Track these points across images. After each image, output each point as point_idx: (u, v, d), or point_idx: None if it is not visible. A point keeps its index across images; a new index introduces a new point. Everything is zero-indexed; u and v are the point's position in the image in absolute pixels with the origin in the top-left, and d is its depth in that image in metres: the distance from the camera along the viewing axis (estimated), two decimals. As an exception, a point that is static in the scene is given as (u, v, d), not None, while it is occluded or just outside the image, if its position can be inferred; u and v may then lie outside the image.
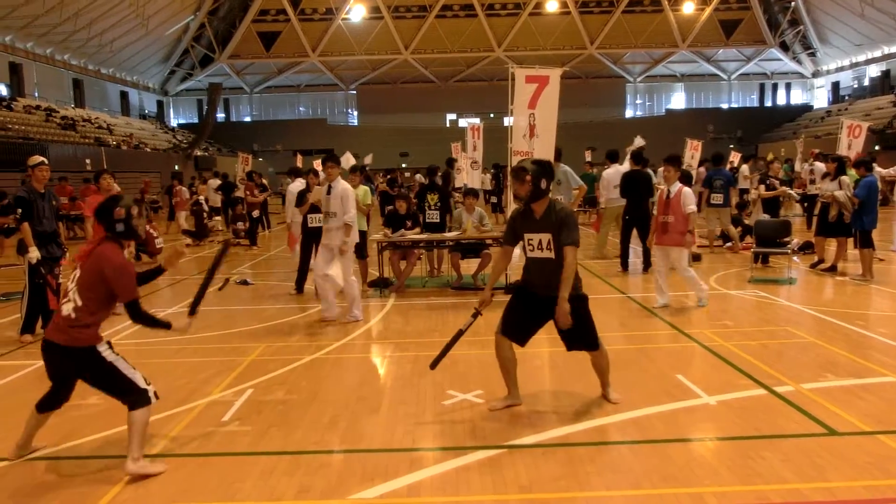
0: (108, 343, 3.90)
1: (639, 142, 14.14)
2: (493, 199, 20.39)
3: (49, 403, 4.03)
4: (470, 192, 10.12)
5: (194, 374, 5.86)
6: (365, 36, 51.85)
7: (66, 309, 3.82)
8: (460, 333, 4.78)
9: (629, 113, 59.20)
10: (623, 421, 4.50)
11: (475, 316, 4.73)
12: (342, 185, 7.74)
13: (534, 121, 8.59)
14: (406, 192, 12.44)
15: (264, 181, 20.38)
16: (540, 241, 4.54)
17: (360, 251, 9.43)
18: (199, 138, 45.29)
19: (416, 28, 52.01)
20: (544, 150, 8.55)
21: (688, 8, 48.53)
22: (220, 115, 53.72)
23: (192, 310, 4.08)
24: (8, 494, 3.70)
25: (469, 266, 10.01)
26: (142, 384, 3.85)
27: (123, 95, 49.07)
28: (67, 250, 7.91)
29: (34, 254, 7.14)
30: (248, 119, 59.04)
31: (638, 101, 60.18)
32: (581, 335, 4.61)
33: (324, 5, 50.34)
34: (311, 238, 9.64)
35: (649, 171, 11.38)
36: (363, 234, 9.49)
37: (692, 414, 4.65)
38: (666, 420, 4.52)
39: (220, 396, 5.23)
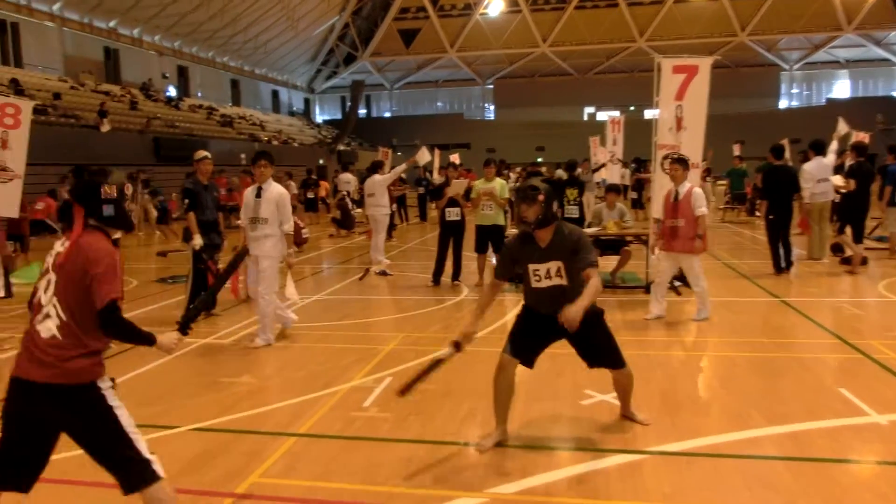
0: (112, 380, 2.80)
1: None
2: (634, 195, 19.77)
3: (13, 475, 2.74)
4: (611, 188, 9.86)
5: (337, 359, 6.10)
6: (502, 30, 51.91)
7: (46, 330, 2.67)
8: (438, 363, 4.11)
9: (783, 103, 55.35)
10: (778, 434, 4.19)
11: (456, 348, 4.06)
12: (276, 187, 6.75)
13: (681, 113, 8.20)
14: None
15: (402, 175, 20.89)
16: (548, 270, 3.99)
17: (498, 245, 9.44)
18: (342, 133, 47.21)
19: (554, 20, 51.38)
20: (692, 143, 8.15)
21: (855, -13, 44.63)
22: (362, 111, 55.69)
23: (184, 327, 3.05)
24: (177, 459, 4.01)
25: (607, 263, 9.75)
26: (145, 452, 2.73)
27: (274, 94, 52.21)
28: (226, 238, 8.52)
29: (198, 241, 7.75)
30: (388, 114, 60.84)
31: (794, 91, 56.11)
32: (603, 351, 4.19)
33: (462, 1, 50.91)
34: (449, 231, 9.78)
35: (804, 166, 10.59)
36: (501, 229, 9.49)
37: (859, 433, 4.25)
38: (828, 437, 4.15)
39: (360, 383, 5.40)
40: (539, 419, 4.54)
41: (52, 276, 2.75)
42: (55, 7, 30.91)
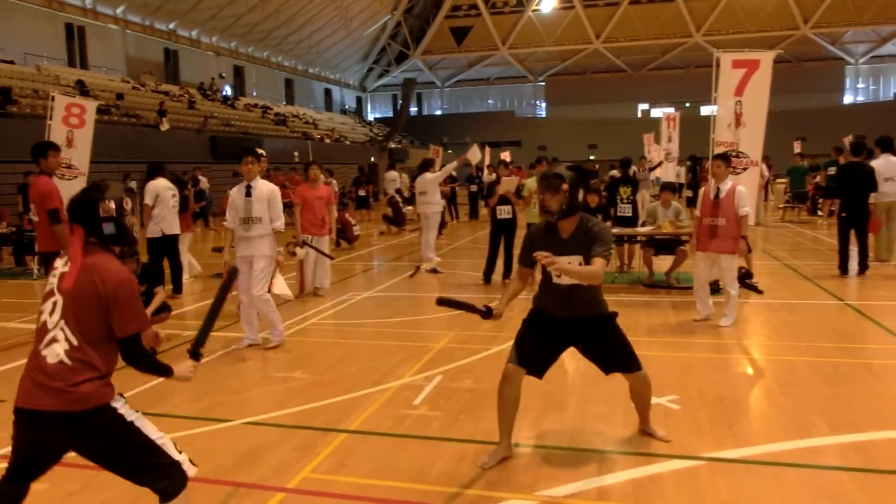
0: (122, 396, 2.68)
1: None
2: (689, 193, 19.34)
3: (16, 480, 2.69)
4: (666, 186, 9.65)
5: (388, 356, 6.12)
6: (555, 27, 51.46)
7: (54, 355, 2.53)
8: (474, 309, 3.76)
9: (848, 98, 53.39)
10: (843, 444, 4.01)
11: (485, 313, 3.75)
12: (266, 185, 6.55)
13: (740, 109, 7.97)
14: (596, 185, 12.13)
15: (453, 173, 20.90)
16: (569, 263, 3.73)
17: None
18: (394, 131, 47.52)
19: (608, 16, 50.66)
20: (752, 139, 7.92)
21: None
22: (413, 109, 55.91)
23: (195, 353, 2.91)
24: (230, 452, 4.08)
25: (662, 263, 9.55)
26: (174, 452, 2.67)
27: (327, 92, 52.91)
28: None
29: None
30: (438, 112, 60.98)
31: (860, 86, 54.05)
32: (617, 354, 3.93)
33: (515, -2, 50.71)
34: (500, 229, 9.72)
35: (871, 163, 10.13)
36: (552, 227, 9.38)
37: (930, 442, 4.04)
38: (898, 447, 3.96)
39: (411, 380, 5.40)
40: (592, 422, 4.46)
41: (59, 299, 2.59)
42: (119, 10, 31.93)
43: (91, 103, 10.09)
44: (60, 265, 2.68)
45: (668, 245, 9.19)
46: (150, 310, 6.64)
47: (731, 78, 7.99)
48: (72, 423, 2.52)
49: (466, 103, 60.60)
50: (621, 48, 52.32)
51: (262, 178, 8.22)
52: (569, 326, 3.87)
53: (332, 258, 9.53)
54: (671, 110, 22.39)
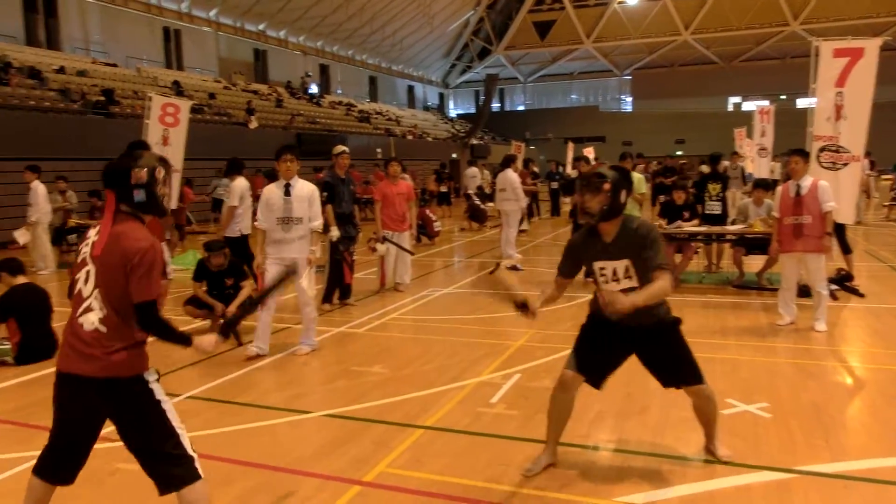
0: (157, 372, 2.75)
1: None
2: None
3: (60, 468, 2.77)
4: (759, 183, 9.23)
5: (466, 353, 6.10)
6: (641, 19, 50.14)
7: (89, 322, 2.61)
8: (514, 298, 3.62)
9: (961, 89, 49.73)
10: (954, 460, 3.72)
11: (523, 307, 3.55)
12: (305, 184, 6.26)
13: (841, 101, 7.50)
14: (684, 182, 11.74)
15: (535, 169, 20.74)
16: (615, 269, 3.51)
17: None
18: (476, 128, 47.51)
19: (697, 6, 48.93)
20: (854, 133, 7.44)
21: None
22: (495, 105, 55.77)
23: (225, 331, 2.89)
24: (309, 443, 4.15)
25: (753, 263, 9.15)
26: (190, 449, 2.69)
27: (410, 89, 53.45)
28: (361, 230, 8.79)
29: (335, 232, 8.02)
30: (521, 108, 60.59)
31: (974, 75, 50.23)
32: (678, 366, 3.63)
33: (599, -10, 49.73)
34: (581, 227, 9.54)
35: None
36: (636, 224, 9.13)
37: None
38: None
39: (488, 378, 5.36)
40: (675, 427, 4.30)
41: (91, 267, 2.65)
42: (212, 13, 33.24)
43: (185, 103, 10.51)
44: (92, 234, 2.72)
45: (760, 245, 8.77)
46: (235, 303, 6.86)
47: (832, 68, 7.54)
48: (105, 389, 2.59)
49: (549, 98, 59.94)
50: (712, 39, 50.43)
51: (346, 173, 8.41)
52: (627, 333, 3.59)
53: (412, 254, 9.59)
54: (765, 103, 21.40)
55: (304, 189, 6.20)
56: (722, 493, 3.43)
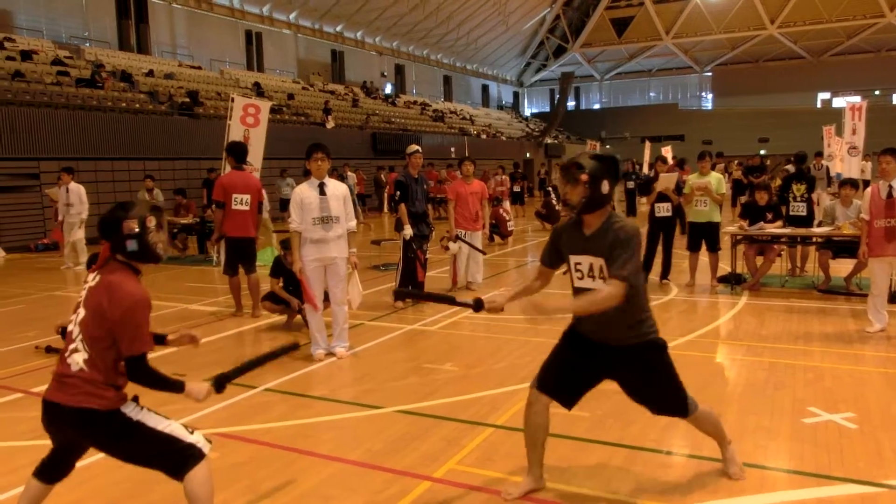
0: (135, 398, 2.84)
1: None
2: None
3: (52, 471, 2.97)
4: (847, 182, 8.81)
5: (537, 353, 6.05)
6: (724, 13, 48.51)
7: (75, 363, 2.74)
8: (452, 300, 3.65)
9: None
10: None
11: (477, 305, 3.48)
12: (337, 183, 6.17)
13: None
14: (767, 182, 11.33)
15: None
16: (590, 266, 3.24)
17: (712, 244, 8.86)
18: (550, 126, 47.13)
19: (784, -1, 47.04)
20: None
21: None
22: (571, 104, 55.12)
23: (220, 384, 2.96)
24: (380, 438, 4.23)
25: (841, 267, 8.74)
26: (185, 436, 2.80)
27: (484, 88, 53.45)
28: (434, 229, 8.87)
29: (408, 231, 8.14)
30: (597, 106, 59.67)
31: None
32: (658, 397, 3.36)
33: (681, -15, 48.40)
34: (659, 228, 9.34)
35: None
36: (716, 226, 8.88)
37: None
38: None
39: (559, 379, 5.32)
40: (753, 434, 4.16)
41: (82, 312, 2.78)
42: (291, 16, 34.15)
43: (265, 103, 10.86)
44: (90, 279, 2.85)
45: (848, 248, 8.37)
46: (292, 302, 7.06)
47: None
48: (83, 421, 2.70)
49: (626, 96, 58.79)
50: (799, 32, 48.32)
51: (419, 172, 8.49)
52: (604, 352, 3.32)
53: (484, 253, 9.61)
54: (857, 99, 20.39)
55: (339, 188, 6.13)
56: (802, 505, 3.31)
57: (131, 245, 2.78)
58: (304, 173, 9.24)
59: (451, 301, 3.55)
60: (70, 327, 2.81)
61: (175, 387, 2.81)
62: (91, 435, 2.75)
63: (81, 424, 2.71)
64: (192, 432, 2.82)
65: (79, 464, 3.05)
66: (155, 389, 2.77)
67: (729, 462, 3.59)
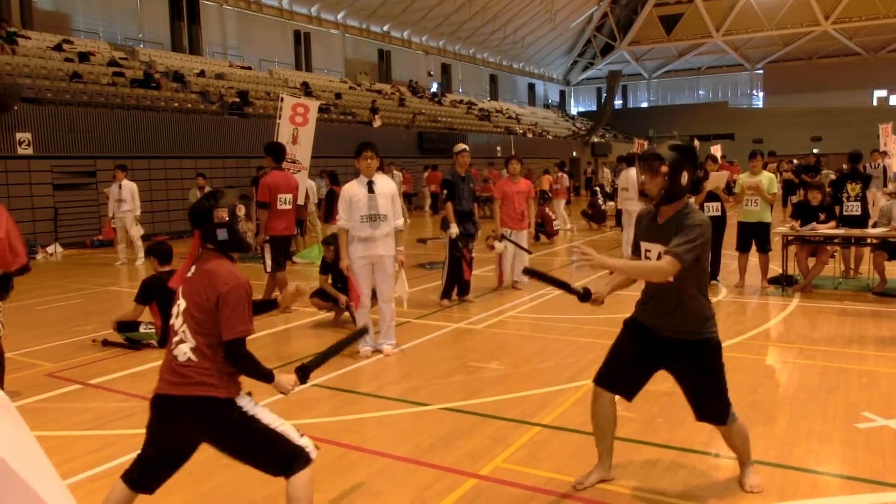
0: (249, 394, 2.86)
1: None
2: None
3: (147, 480, 2.87)
4: (905, 182, 8.55)
5: (583, 353, 6.06)
6: (776, 9, 47.30)
7: (182, 354, 2.76)
8: (567, 287, 3.46)
9: None
10: None
11: (582, 295, 3.46)
12: (386, 180, 6.16)
13: None
14: (820, 182, 11.06)
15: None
16: (659, 255, 3.23)
17: (762, 244, 8.71)
18: (597, 125, 46.68)
19: (840, -6, 45.65)
20: None
21: None
22: (618, 102, 54.46)
23: (304, 374, 2.99)
24: (427, 435, 4.29)
25: (897, 269, 8.51)
26: (295, 438, 2.79)
27: (530, 87, 53.21)
28: (480, 228, 8.91)
29: (454, 230, 8.19)
30: (644, 105, 58.87)
31: None
32: (704, 399, 3.34)
33: (732, -19, 47.37)
34: (707, 227, 9.20)
35: None
36: (767, 226, 8.73)
37: None
38: None
39: (606, 379, 5.30)
40: (806, 438, 4.09)
41: (182, 302, 2.81)
42: (339, 16, 34.54)
43: (314, 103, 11.04)
44: (189, 272, 2.89)
45: (905, 249, 8.14)
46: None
47: None
48: (198, 412, 2.70)
49: (675, 95, 57.83)
50: (855, 28, 46.82)
51: (464, 172, 8.54)
52: (664, 345, 3.34)
53: (529, 252, 9.60)
54: (916, 97, 19.67)
55: (387, 186, 6.13)
56: (856, 512, 3.26)
57: (222, 234, 2.83)
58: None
59: (566, 287, 3.54)
60: (172, 320, 2.85)
61: (267, 376, 2.84)
62: (205, 423, 2.72)
63: (198, 413, 2.70)
64: (301, 435, 2.82)
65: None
66: (248, 376, 2.81)
67: (745, 478, 3.50)
